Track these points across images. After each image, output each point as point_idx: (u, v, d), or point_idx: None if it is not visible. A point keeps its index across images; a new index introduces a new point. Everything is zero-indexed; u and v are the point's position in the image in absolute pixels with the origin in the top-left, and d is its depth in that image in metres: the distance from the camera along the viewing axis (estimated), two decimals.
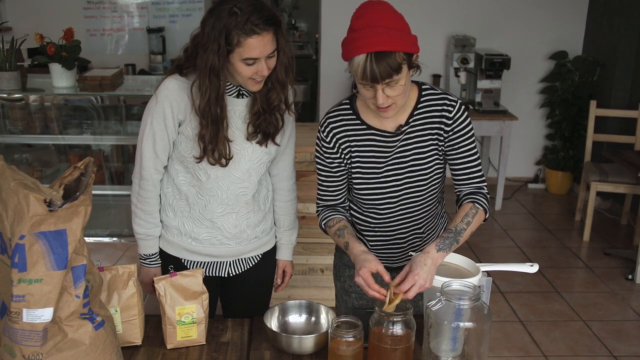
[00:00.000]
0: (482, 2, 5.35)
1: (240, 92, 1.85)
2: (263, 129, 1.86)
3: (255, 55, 1.70)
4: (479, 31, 5.32)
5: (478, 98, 5.10)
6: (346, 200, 1.91)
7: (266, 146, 1.90)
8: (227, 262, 2.02)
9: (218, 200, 1.91)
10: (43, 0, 5.51)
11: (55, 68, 3.50)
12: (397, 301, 1.57)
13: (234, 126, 1.84)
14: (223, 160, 1.83)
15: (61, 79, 3.53)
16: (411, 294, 1.57)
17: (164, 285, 1.69)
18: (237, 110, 1.85)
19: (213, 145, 1.80)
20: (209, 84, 1.74)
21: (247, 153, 1.88)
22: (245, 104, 1.86)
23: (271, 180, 2.05)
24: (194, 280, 1.72)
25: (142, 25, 5.63)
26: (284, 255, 2.12)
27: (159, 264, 1.99)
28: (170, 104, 1.79)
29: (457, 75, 5.17)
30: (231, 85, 1.83)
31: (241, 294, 2.08)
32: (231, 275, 2.03)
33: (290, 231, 2.10)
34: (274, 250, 2.11)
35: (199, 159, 1.82)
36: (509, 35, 5.39)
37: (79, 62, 3.60)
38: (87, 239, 1.43)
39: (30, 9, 5.48)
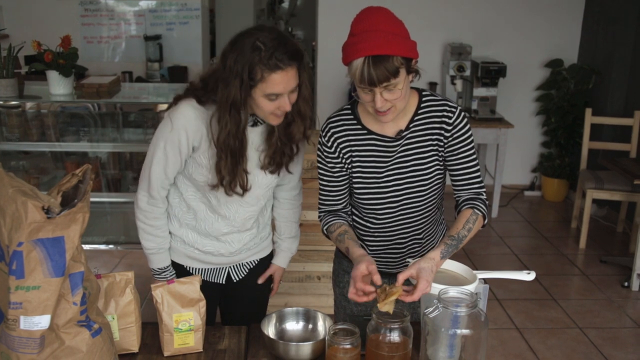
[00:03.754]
0: (478, 10, 5.37)
1: (256, 121, 1.82)
2: (278, 160, 1.85)
3: (278, 90, 1.66)
4: (475, 39, 5.34)
5: (474, 106, 5.11)
6: (348, 205, 1.92)
7: (278, 174, 1.90)
8: (226, 268, 2.03)
9: (225, 221, 1.92)
10: (40, 8, 5.52)
11: (53, 75, 3.51)
12: (392, 298, 1.56)
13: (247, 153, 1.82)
14: (240, 191, 1.81)
15: (58, 86, 3.53)
16: (415, 298, 1.58)
17: (161, 293, 1.69)
18: (251, 138, 1.82)
19: (231, 178, 1.78)
20: (230, 119, 1.69)
21: (258, 179, 1.87)
22: (259, 132, 1.83)
23: (276, 189, 2.03)
24: (191, 287, 1.72)
25: (139, 33, 5.64)
26: (280, 261, 2.11)
27: (174, 275, 1.97)
28: (186, 132, 1.75)
29: (453, 83, 5.19)
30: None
31: (239, 299, 2.09)
32: (232, 281, 2.04)
33: (291, 239, 2.10)
34: (270, 255, 2.11)
35: (213, 188, 1.80)
36: (505, 43, 5.42)
37: (76, 69, 3.60)
38: (84, 246, 1.43)
39: (28, 17, 5.48)
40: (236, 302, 2.10)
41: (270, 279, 2.12)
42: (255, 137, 1.83)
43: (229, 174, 1.77)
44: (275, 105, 1.69)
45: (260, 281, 2.09)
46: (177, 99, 1.82)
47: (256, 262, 2.07)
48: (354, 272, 1.63)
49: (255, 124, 1.82)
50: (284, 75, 1.65)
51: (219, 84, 1.69)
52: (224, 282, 2.04)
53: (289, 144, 1.83)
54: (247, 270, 2.06)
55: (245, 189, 1.81)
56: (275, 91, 1.66)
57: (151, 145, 1.82)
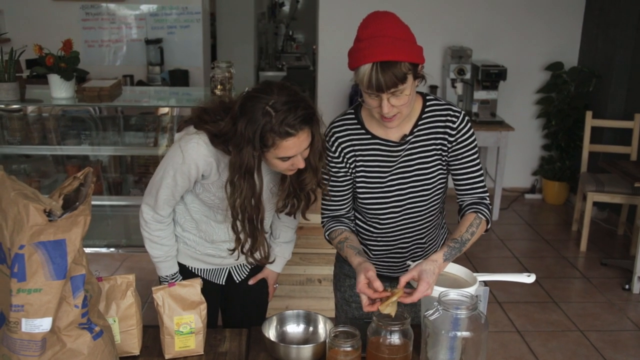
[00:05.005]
0: (479, 14, 5.38)
1: None
2: (292, 204, 1.85)
3: (290, 154, 1.66)
4: (475, 42, 5.35)
5: (475, 109, 5.12)
6: (351, 210, 1.92)
7: (294, 217, 1.92)
8: (226, 268, 2.04)
9: (227, 234, 1.92)
10: (42, 12, 5.53)
11: (54, 79, 3.51)
12: (392, 299, 1.57)
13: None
14: (265, 260, 1.87)
15: (60, 90, 3.54)
16: (415, 299, 1.58)
17: (162, 295, 1.69)
18: (264, 177, 1.79)
19: (250, 247, 1.81)
20: (245, 184, 1.69)
21: (269, 214, 1.91)
22: (272, 171, 1.83)
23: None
24: (192, 290, 1.72)
25: (140, 37, 5.64)
26: (274, 266, 2.11)
27: (181, 280, 1.97)
28: (197, 166, 1.75)
29: (453, 86, 5.19)
30: None
31: (239, 300, 2.10)
32: (233, 281, 2.05)
33: (286, 244, 2.11)
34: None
35: (232, 252, 1.86)
36: (505, 46, 5.42)
37: (77, 73, 3.60)
38: (86, 250, 1.43)
39: (29, 21, 5.49)
40: (237, 302, 2.11)
41: (266, 282, 2.13)
42: (268, 178, 1.83)
43: (250, 238, 1.79)
44: (289, 164, 1.70)
45: (251, 282, 2.09)
46: (185, 124, 1.81)
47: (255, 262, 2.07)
48: (359, 288, 1.63)
49: None
50: (296, 140, 1.64)
51: (231, 148, 1.68)
52: (224, 283, 2.05)
53: (301, 192, 1.82)
54: (248, 271, 2.07)
55: (266, 259, 1.88)
56: (288, 155, 1.66)
57: (160, 167, 1.82)
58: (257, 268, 2.09)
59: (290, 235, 2.10)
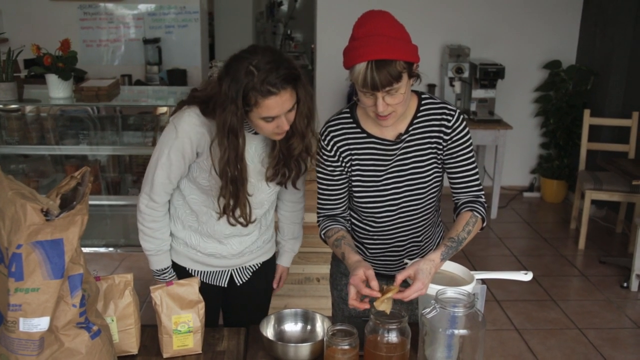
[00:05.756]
0: (477, 12, 5.38)
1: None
2: (282, 172, 1.85)
3: (273, 114, 1.66)
4: (473, 41, 5.35)
5: (473, 107, 5.12)
6: (347, 209, 1.92)
7: (285, 187, 1.91)
8: (228, 271, 2.03)
9: (228, 224, 1.91)
10: (40, 12, 5.53)
11: (52, 79, 3.51)
12: (387, 295, 1.57)
13: (248, 160, 1.81)
14: (243, 222, 1.84)
15: (58, 90, 3.54)
16: (407, 297, 1.58)
17: (160, 295, 1.69)
18: (254, 145, 1.83)
19: (233, 206, 1.80)
20: (228, 144, 1.70)
21: (261, 186, 1.88)
22: (263, 140, 1.84)
23: (280, 191, 2.03)
24: (190, 289, 1.73)
25: (138, 36, 5.64)
26: (283, 261, 2.13)
27: (174, 277, 1.97)
28: (190, 139, 1.76)
29: (451, 85, 5.19)
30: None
31: (241, 301, 2.09)
32: (234, 284, 2.04)
33: (294, 240, 2.12)
34: (273, 258, 2.12)
35: (220, 215, 1.83)
36: (503, 44, 5.42)
37: (75, 72, 3.61)
38: (84, 249, 1.44)
39: (27, 20, 5.49)
40: (238, 305, 2.10)
41: (268, 280, 2.13)
42: (257, 143, 1.84)
43: (232, 199, 1.78)
44: (273, 125, 1.70)
45: (275, 286, 2.13)
46: (180, 105, 1.83)
47: (259, 265, 2.07)
48: (353, 280, 1.63)
49: (257, 132, 1.82)
50: (278, 99, 1.64)
51: (217, 109, 1.69)
52: (226, 285, 2.04)
53: (290, 158, 1.83)
54: (249, 274, 2.06)
55: (247, 220, 1.84)
56: (271, 114, 1.67)
57: (155, 150, 1.84)
58: (260, 270, 2.07)
59: (297, 231, 2.11)
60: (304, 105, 1.73)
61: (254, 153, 1.83)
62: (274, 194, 1.96)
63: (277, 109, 1.66)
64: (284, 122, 1.70)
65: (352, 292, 1.62)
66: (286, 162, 1.83)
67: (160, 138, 1.83)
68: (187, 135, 1.76)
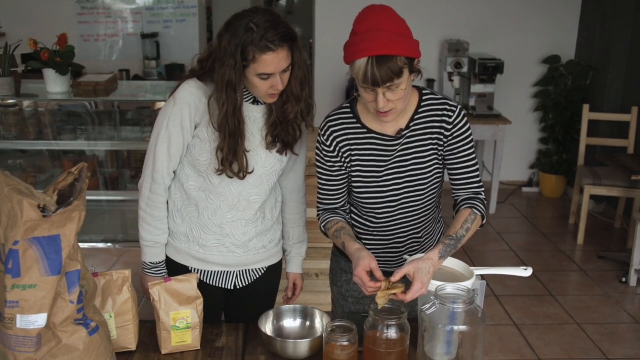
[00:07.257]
0: (476, 7, 5.37)
1: (257, 99, 1.86)
2: (282, 138, 1.86)
3: (269, 71, 1.71)
4: (472, 36, 5.34)
5: (472, 102, 5.11)
6: (347, 204, 1.91)
7: (285, 155, 1.91)
8: (234, 272, 1.99)
9: (229, 205, 1.89)
10: (37, 6, 5.51)
11: (49, 74, 3.49)
12: (391, 292, 1.56)
13: (249, 132, 1.84)
14: (241, 174, 1.83)
15: (55, 85, 3.52)
16: (408, 299, 1.57)
17: (158, 291, 1.69)
18: (253, 117, 1.85)
19: (231, 159, 1.80)
20: (226, 98, 1.74)
21: (260, 159, 1.88)
22: (261, 110, 1.86)
23: (282, 192, 2.04)
24: (188, 285, 1.72)
25: (136, 31, 5.63)
26: (294, 268, 2.11)
27: (165, 274, 1.94)
28: (189, 107, 1.79)
29: (450, 80, 5.18)
30: (248, 92, 1.83)
31: (244, 305, 2.06)
32: (237, 287, 2.01)
33: (300, 244, 2.10)
34: (279, 263, 2.09)
35: (219, 172, 1.82)
36: (502, 39, 5.41)
37: (73, 67, 3.59)
38: (82, 245, 1.43)
39: (24, 15, 5.47)
40: (242, 309, 2.07)
41: (273, 285, 2.11)
42: (256, 115, 1.86)
43: (229, 154, 1.79)
44: (268, 84, 1.74)
45: (290, 295, 2.11)
46: (180, 82, 1.86)
47: (264, 270, 2.04)
48: (358, 271, 1.61)
49: (256, 102, 1.85)
50: (275, 56, 1.69)
51: (216, 65, 1.74)
52: (231, 288, 2.01)
53: (287, 123, 1.85)
54: (254, 278, 2.03)
55: (245, 171, 1.83)
56: (267, 71, 1.71)
57: (154, 128, 1.86)
58: (265, 275, 2.05)
59: (302, 234, 2.10)
60: (299, 70, 1.78)
61: (253, 124, 1.85)
62: (274, 175, 1.93)
63: (273, 65, 1.70)
64: (279, 82, 1.74)
65: (364, 278, 1.60)
66: (284, 128, 1.85)
67: (160, 113, 1.86)
68: (185, 102, 1.79)
